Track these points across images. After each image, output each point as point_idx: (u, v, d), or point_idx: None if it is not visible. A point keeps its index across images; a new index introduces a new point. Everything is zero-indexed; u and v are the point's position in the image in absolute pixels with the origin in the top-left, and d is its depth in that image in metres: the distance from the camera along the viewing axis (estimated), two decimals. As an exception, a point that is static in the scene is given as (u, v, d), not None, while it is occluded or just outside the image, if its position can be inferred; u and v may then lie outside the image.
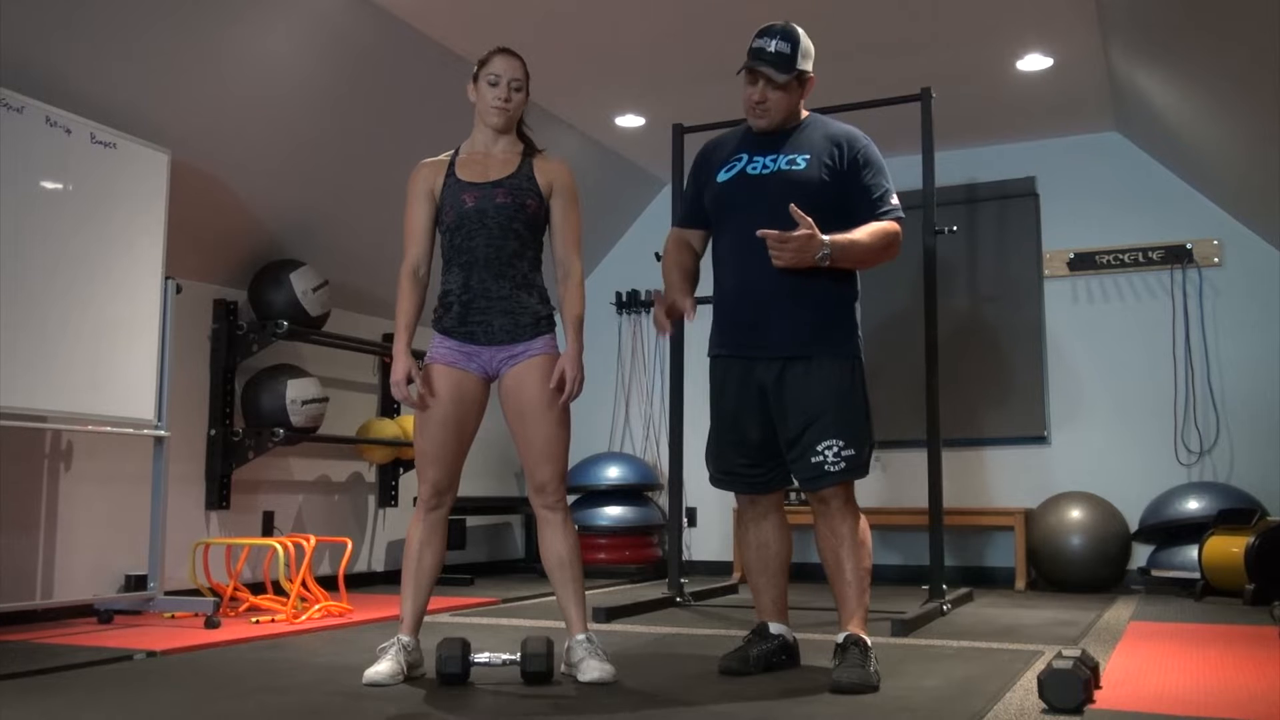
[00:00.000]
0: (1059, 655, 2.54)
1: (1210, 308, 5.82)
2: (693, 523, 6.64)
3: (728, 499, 3.36)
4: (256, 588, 4.78)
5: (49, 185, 3.80)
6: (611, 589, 5.68)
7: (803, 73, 2.92)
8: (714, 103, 4.96)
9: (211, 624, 3.91)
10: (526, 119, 3.10)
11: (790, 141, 2.97)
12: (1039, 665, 3.07)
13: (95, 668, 3.15)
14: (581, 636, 2.90)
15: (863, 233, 2.87)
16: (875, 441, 3.01)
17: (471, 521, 6.48)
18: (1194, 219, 5.88)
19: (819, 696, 2.67)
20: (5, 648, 3.46)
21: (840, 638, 2.86)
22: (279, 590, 4.60)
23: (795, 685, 2.82)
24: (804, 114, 3.04)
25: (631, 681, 2.88)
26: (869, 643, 2.85)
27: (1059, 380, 6.08)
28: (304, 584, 4.38)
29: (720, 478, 3.07)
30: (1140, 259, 5.96)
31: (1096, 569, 5.50)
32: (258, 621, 4.09)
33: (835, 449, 2.83)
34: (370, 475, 5.95)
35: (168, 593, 4.34)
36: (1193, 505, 5.39)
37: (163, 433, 4.27)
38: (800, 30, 2.92)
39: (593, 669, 2.83)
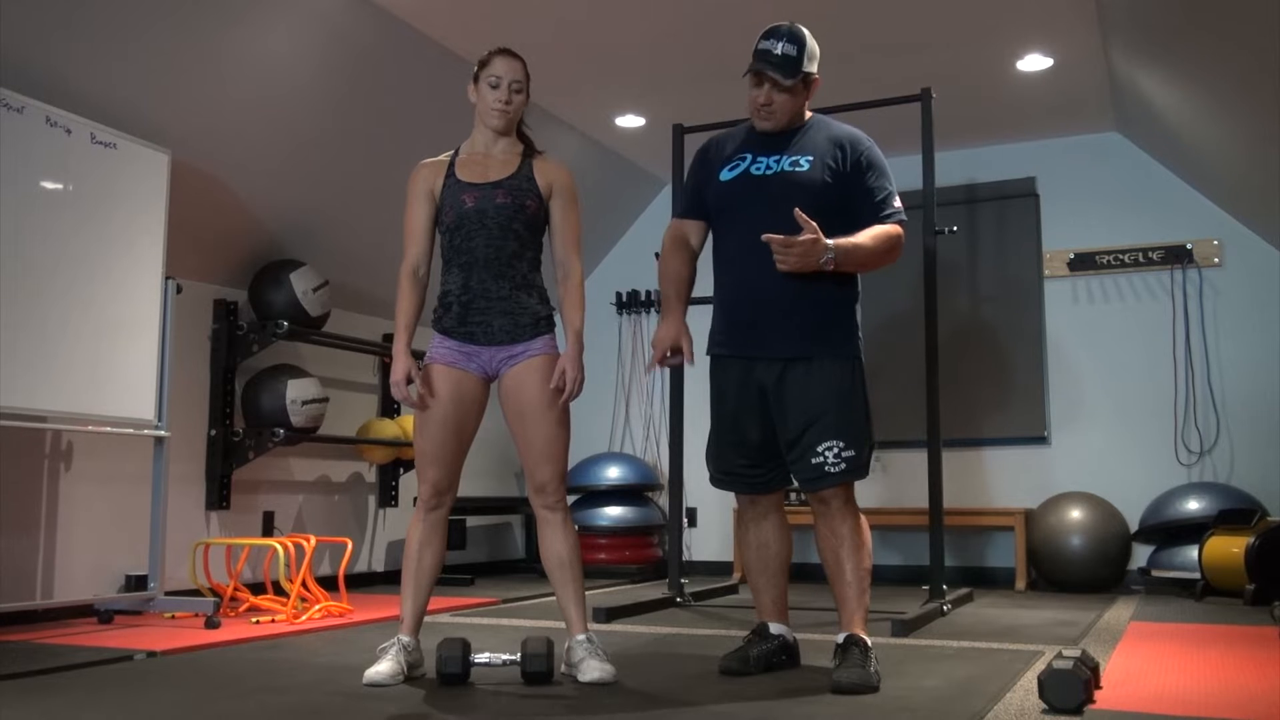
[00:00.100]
0: (1059, 655, 2.54)
1: (1210, 308, 5.82)
2: (693, 523, 6.64)
3: (728, 499, 3.36)
4: (257, 588, 4.78)
5: (49, 185, 3.80)
6: (612, 589, 5.68)
7: (808, 75, 2.92)
8: (714, 103, 4.97)
9: (212, 624, 3.91)
10: (527, 119, 3.10)
11: (794, 143, 2.97)
12: (1039, 665, 3.07)
13: (95, 668, 3.15)
14: (582, 637, 2.90)
15: (866, 236, 2.87)
16: (875, 442, 3.01)
17: (472, 522, 6.48)
18: (1194, 219, 5.88)
19: (819, 697, 2.67)
20: (5, 648, 3.46)
21: (840, 638, 2.86)
22: (279, 590, 4.60)
23: (795, 685, 2.82)
24: (808, 115, 3.04)
25: (632, 682, 2.88)
26: (869, 643, 2.85)
27: (1059, 380, 6.08)
28: (304, 584, 4.38)
29: (720, 478, 3.07)
30: (1140, 259, 5.96)
31: (1097, 569, 5.50)
32: (258, 622, 4.09)
33: (835, 450, 2.83)
34: (370, 475, 5.95)
35: (168, 593, 4.35)
36: (1193, 505, 5.39)
37: (163, 433, 4.27)
38: (806, 32, 2.92)
39: (593, 669, 2.83)
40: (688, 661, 3.27)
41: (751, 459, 2.98)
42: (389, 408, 5.99)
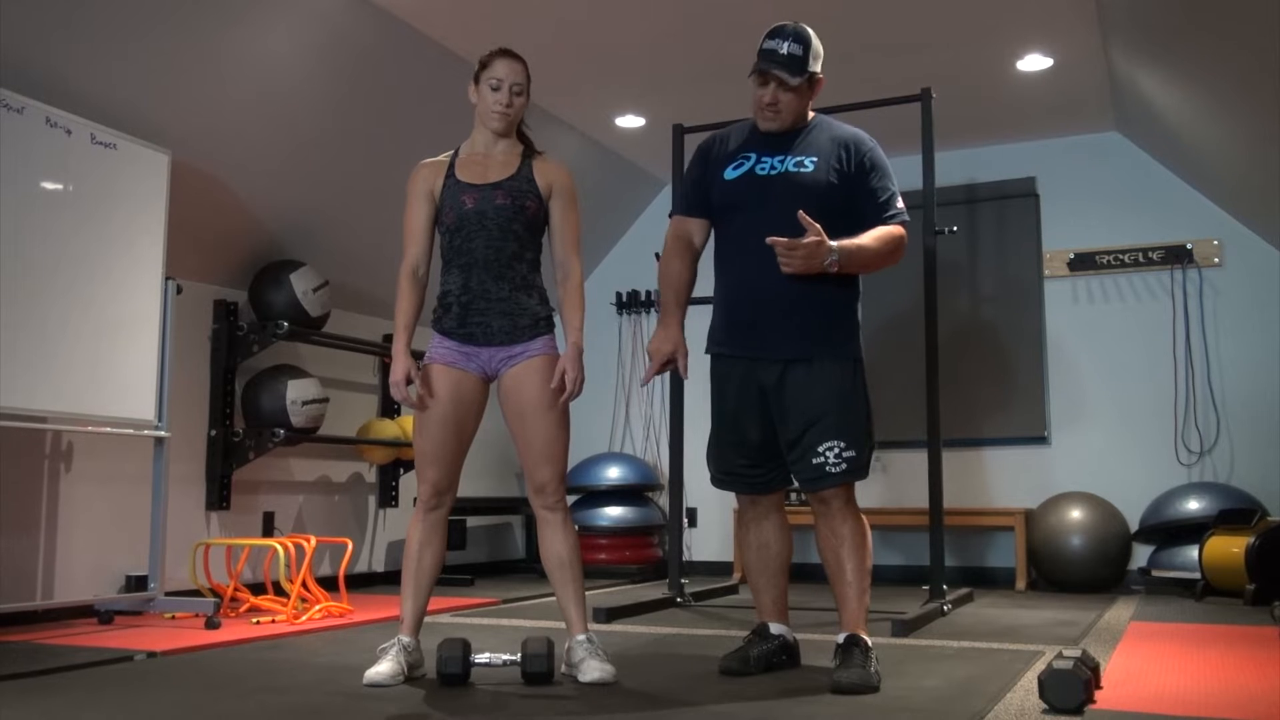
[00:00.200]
0: (1059, 655, 2.54)
1: (1210, 308, 5.82)
2: (693, 523, 6.64)
3: (728, 499, 3.36)
4: (257, 588, 4.78)
5: (49, 186, 3.80)
6: (612, 589, 5.68)
7: (813, 74, 2.92)
8: (714, 103, 4.96)
9: (212, 624, 3.91)
10: (527, 119, 3.10)
11: (798, 143, 2.96)
12: (1039, 665, 3.07)
13: (96, 668, 3.15)
14: (582, 637, 2.90)
15: (869, 238, 2.87)
16: (876, 443, 3.01)
17: (472, 522, 6.48)
18: (1194, 219, 5.88)
19: (819, 697, 2.67)
20: (6, 648, 3.46)
21: (841, 638, 2.87)
22: (279, 591, 4.60)
23: (795, 685, 2.82)
24: (810, 115, 3.03)
25: (632, 682, 2.88)
26: (869, 643, 2.85)
27: (1059, 380, 6.08)
28: (304, 584, 4.38)
29: (721, 478, 3.07)
30: (1140, 259, 5.96)
31: (1097, 569, 5.50)
32: (258, 622, 4.09)
33: (836, 450, 2.83)
34: (370, 476, 5.95)
35: (168, 593, 4.34)
36: (1193, 505, 5.39)
37: (163, 433, 4.27)
38: (811, 31, 2.92)
39: (593, 669, 2.83)
40: (688, 662, 3.27)
41: (752, 459, 2.98)
42: (389, 408, 5.99)
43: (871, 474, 3.00)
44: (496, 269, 2.94)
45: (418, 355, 2.96)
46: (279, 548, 4.48)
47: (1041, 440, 6.07)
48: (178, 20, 4.02)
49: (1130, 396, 5.92)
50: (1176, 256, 5.87)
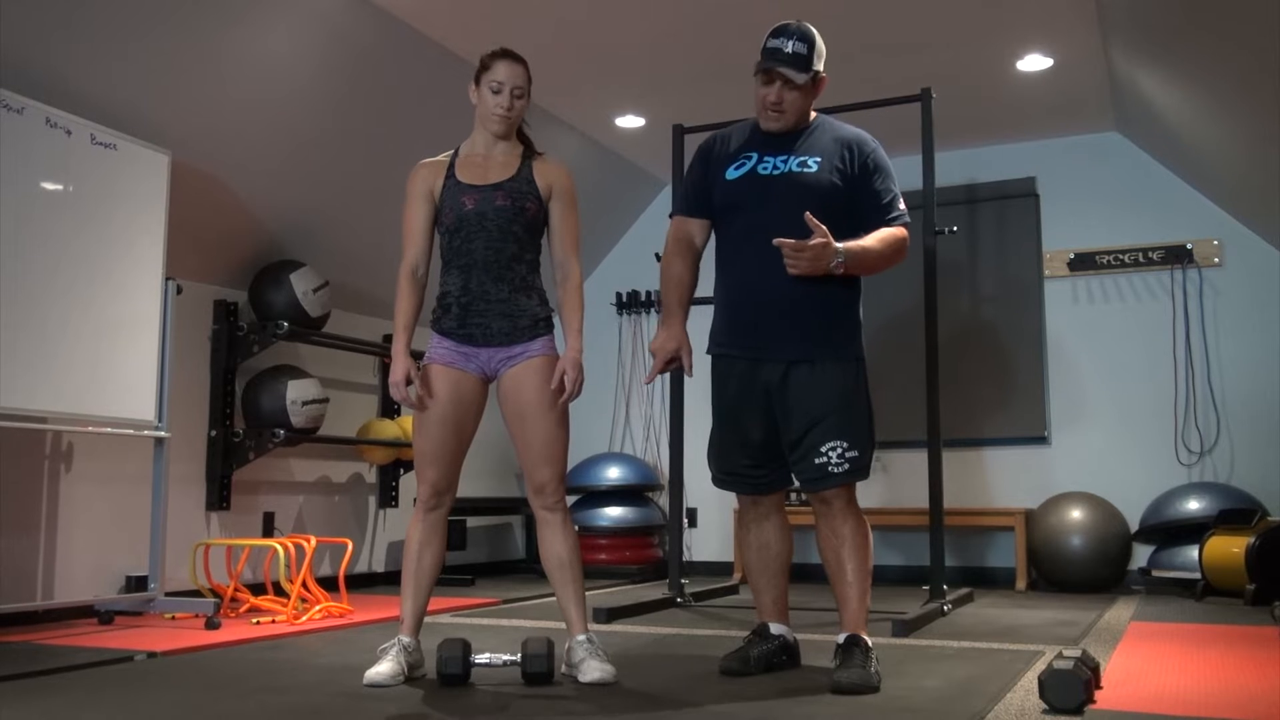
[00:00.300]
0: (1059, 655, 2.54)
1: (1210, 308, 5.82)
2: (693, 523, 6.64)
3: (728, 499, 3.36)
4: (257, 588, 4.78)
5: (49, 186, 3.80)
6: (612, 589, 5.68)
7: (817, 73, 2.92)
8: (714, 103, 4.96)
9: (212, 625, 3.91)
10: (527, 119, 3.10)
11: (801, 143, 2.96)
12: (1039, 665, 3.07)
13: (96, 668, 3.15)
14: (582, 637, 2.90)
15: (874, 239, 2.88)
16: (877, 443, 3.01)
17: (472, 522, 6.48)
18: (1194, 219, 5.88)
19: (819, 697, 2.67)
20: (6, 649, 3.46)
21: (841, 638, 2.87)
22: (279, 591, 4.60)
23: (796, 686, 2.82)
24: (813, 115, 3.03)
25: (632, 682, 2.88)
26: (870, 643, 2.85)
27: (1059, 380, 6.08)
28: (304, 585, 4.38)
29: (723, 478, 3.06)
30: (1140, 259, 5.96)
31: (1097, 569, 5.50)
32: (258, 622, 4.09)
33: (839, 450, 2.83)
34: (370, 476, 5.95)
35: (168, 594, 4.35)
36: (1193, 505, 5.39)
37: (163, 433, 4.27)
38: (814, 30, 2.92)
39: (593, 670, 2.83)
40: (688, 662, 3.27)
41: (755, 459, 2.98)
42: (389, 408, 5.99)
43: (871, 474, 3.00)
44: (496, 270, 2.94)
45: (417, 355, 2.96)
46: (279, 548, 4.48)
47: (1042, 440, 6.07)
48: (178, 20, 4.02)
49: (1130, 396, 5.92)
50: (1176, 256, 5.87)
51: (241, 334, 4.99)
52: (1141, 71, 5.09)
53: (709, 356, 3.06)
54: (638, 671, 3.05)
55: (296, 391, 4.96)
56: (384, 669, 2.82)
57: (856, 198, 2.92)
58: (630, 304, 7.13)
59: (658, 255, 3.48)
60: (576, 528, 3.05)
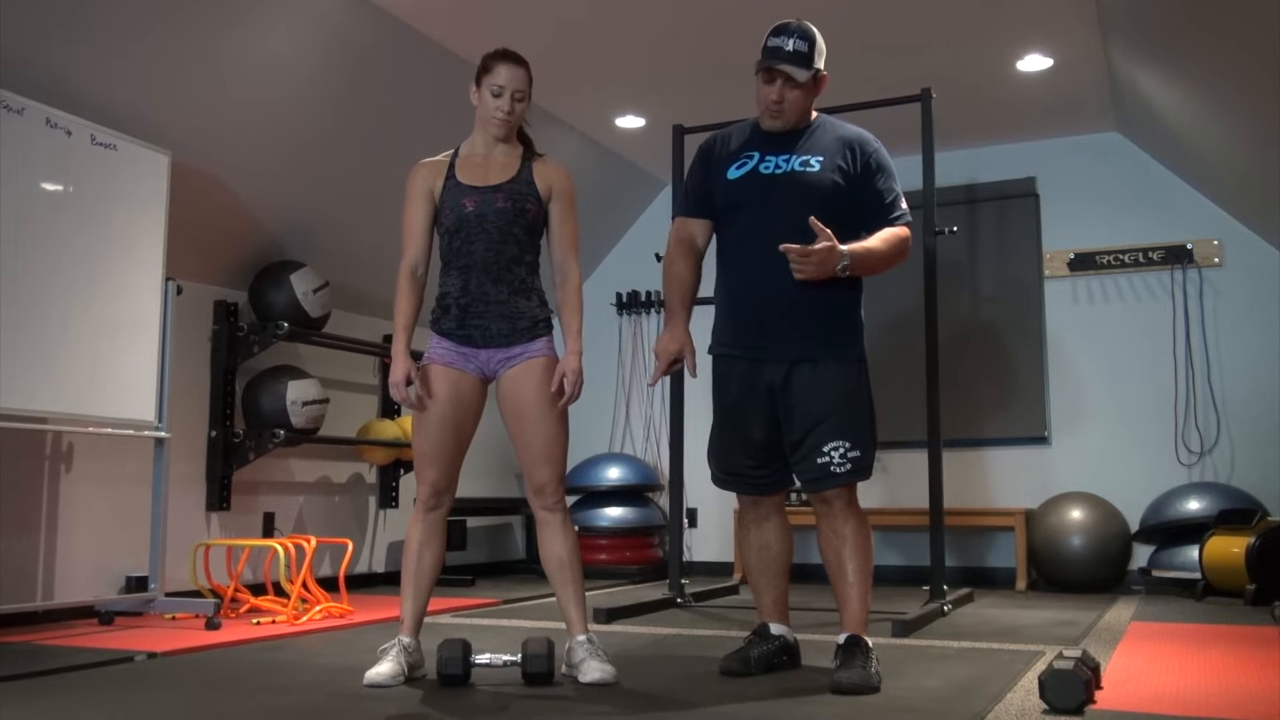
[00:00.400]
0: (1060, 656, 2.54)
1: (1210, 308, 5.82)
2: (693, 523, 6.64)
3: (728, 499, 3.35)
4: (257, 589, 4.77)
5: (49, 187, 3.80)
6: (612, 590, 5.68)
7: (818, 71, 2.92)
8: (714, 103, 4.96)
9: (212, 625, 3.91)
10: (527, 119, 3.09)
11: (803, 142, 2.96)
12: (1040, 666, 3.07)
13: (96, 669, 3.15)
14: (582, 637, 2.90)
15: (878, 240, 2.88)
16: (879, 443, 3.01)
17: (472, 522, 6.48)
18: (1194, 219, 5.88)
19: (820, 697, 2.67)
20: (6, 649, 3.46)
21: (841, 638, 2.86)
22: (280, 591, 4.60)
23: (796, 686, 2.82)
24: (814, 115, 3.03)
25: (632, 682, 2.88)
26: (870, 643, 2.85)
27: (1059, 381, 6.08)
28: (305, 585, 4.38)
29: (724, 478, 3.06)
30: (1140, 259, 5.96)
31: (1097, 569, 5.50)
32: (258, 623, 4.09)
33: (841, 450, 2.83)
34: (371, 476, 5.95)
35: (168, 594, 4.34)
36: (1193, 505, 5.39)
37: (163, 434, 4.27)
38: (814, 28, 2.92)
39: (593, 670, 2.83)
40: (688, 662, 3.27)
41: (757, 459, 2.97)
42: (389, 409, 5.99)
43: (872, 474, 2.99)
44: (496, 272, 2.94)
45: (417, 356, 2.96)
46: (279, 548, 4.48)
47: (1042, 440, 6.07)
48: (178, 20, 4.02)
49: (1130, 396, 5.92)
50: (1176, 256, 5.87)
51: (241, 334, 4.99)
52: (1141, 71, 5.09)
53: (710, 356, 3.06)
54: (638, 672, 3.05)
55: (296, 392, 4.96)
56: (384, 669, 2.82)
57: (859, 197, 2.92)
58: (630, 304, 7.13)
59: (658, 255, 3.48)
60: (576, 528, 3.05)
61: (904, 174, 3.11)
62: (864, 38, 4.88)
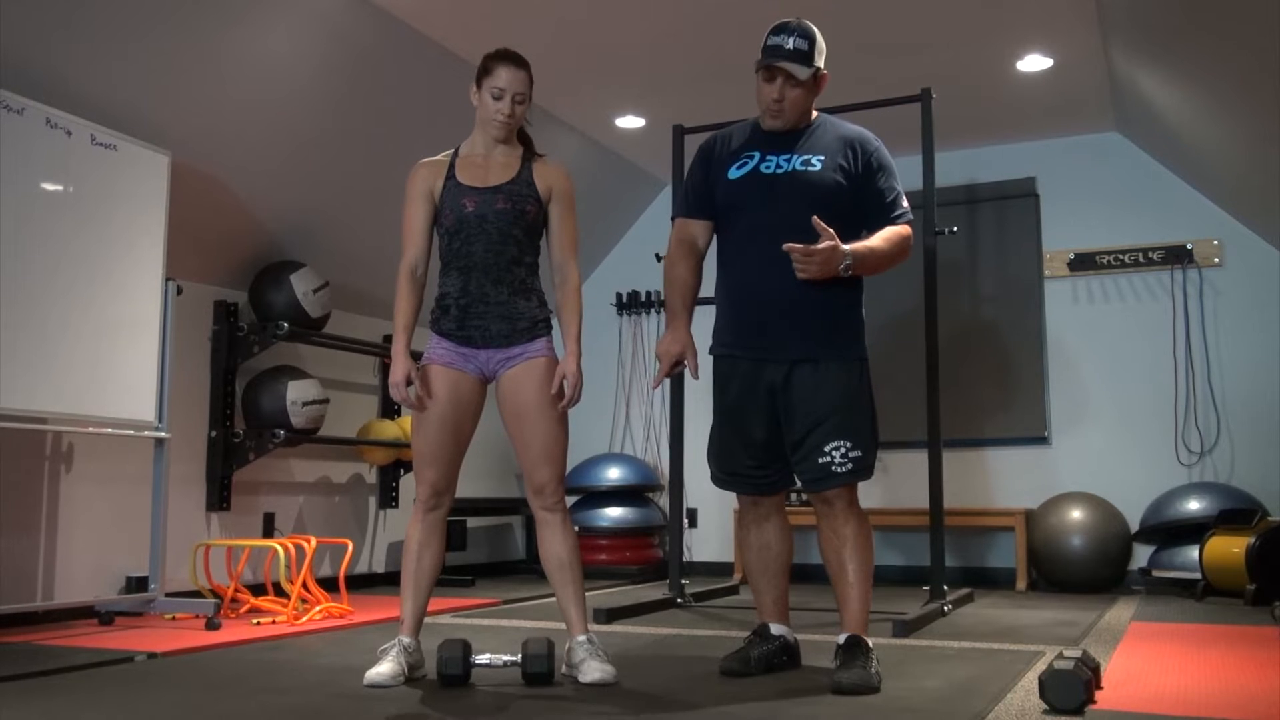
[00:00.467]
0: (1060, 656, 2.54)
1: (1210, 308, 5.82)
2: (693, 524, 6.64)
3: (728, 500, 3.35)
4: (257, 589, 4.77)
5: (49, 187, 3.80)
6: (612, 590, 5.68)
7: (819, 70, 2.92)
8: (714, 103, 4.96)
9: (212, 625, 3.91)
10: (527, 119, 3.09)
11: (803, 142, 2.96)
12: (1040, 666, 3.07)
13: (96, 669, 3.15)
14: (582, 638, 2.90)
15: (880, 240, 2.88)
16: (879, 443, 3.01)
17: (472, 523, 6.48)
18: (1194, 219, 5.88)
19: (820, 697, 2.67)
20: (6, 649, 3.46)
21: (841, 639, 2.86)
22: (280, 592, 4.60)
23: (796, 686, 2.82)
24: (814, 114, 3.03)
25: (632, 683, 2.88)
26: (870, 644, 2.85)
27: (1060, 381, 6.08)
28: (305, 585, 4.38)
29: (724, 478, 3.06)
30: (1140, 259, 5.96)
31: (1097, 569, 5.50)
32: (259, 623, 4.09)
33: (843, 450, 2.83)
34: (371, 476, 5.95)
35: (168, 594, 4.34)
36: (1193, 505, 5.39)
37: (163, 434, 4.27)
38: (814, 27, 2.92)
39: (594, 670, 2.83)
40: (688, 662, 3.27)
41: (758, 459, 2.97)
42: (389, 409, 5.99)
43: (873, 474, 2.99)
44: (495, 273, 2.94)
45: (417, 356, 2.96)
46: (279, 548, 4.48)
47: (1042, 440, 6.07)
48: (178, 20, 4.02)
49: (1130, 396, 5.92)
50: (1176, 256, 5.87)
51: (241, 334, 4.99)
52: (1141, 71, 5.09)
53: (711, 356, 3.06)
54: (638, 672, 3.05)
55: (296, 392, 4.96)
56: (384, 669, 2.81)
57: (860, 196, 2.92)
58: (630, 304, 7.13)
59: (658, 256, 3.48)
60: (576, 528, 3.05)
61: (904, 174, 3.10)
62: (863, 38, 4.87)
